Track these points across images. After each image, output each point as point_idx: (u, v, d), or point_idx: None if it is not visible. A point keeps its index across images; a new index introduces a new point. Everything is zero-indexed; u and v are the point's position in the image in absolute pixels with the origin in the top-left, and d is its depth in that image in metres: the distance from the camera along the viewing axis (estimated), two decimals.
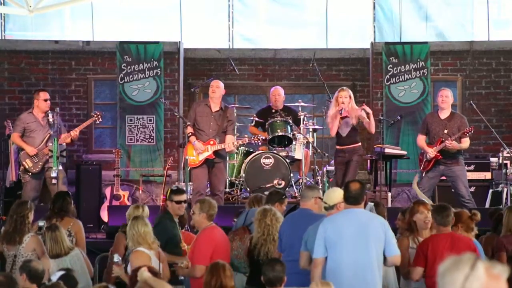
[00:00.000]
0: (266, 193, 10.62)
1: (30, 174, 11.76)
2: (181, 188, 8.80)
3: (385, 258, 6.72)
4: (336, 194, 7.15)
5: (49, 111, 11.86)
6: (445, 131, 11.42)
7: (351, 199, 6.79)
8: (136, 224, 7.38)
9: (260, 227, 7.75)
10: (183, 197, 8.42)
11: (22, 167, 11.80)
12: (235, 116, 12.35)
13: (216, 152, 11.52)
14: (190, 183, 11.88)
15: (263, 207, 7.96)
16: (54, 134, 11.77)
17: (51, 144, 11.61)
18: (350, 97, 11.58)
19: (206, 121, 11.62)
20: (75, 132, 11.96)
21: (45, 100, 11.87)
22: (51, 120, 11.74)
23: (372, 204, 8.40)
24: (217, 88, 11.71)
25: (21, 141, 11.86)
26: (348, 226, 6.66)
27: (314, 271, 6.70)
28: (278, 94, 13.03)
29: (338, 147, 11.65)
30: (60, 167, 11.92)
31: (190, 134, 11.52)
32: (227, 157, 12.37)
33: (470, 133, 11.30)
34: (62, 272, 6.50)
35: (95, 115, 12.32)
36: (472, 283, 3.10)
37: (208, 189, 11.73)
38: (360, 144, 11.71)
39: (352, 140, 11.54)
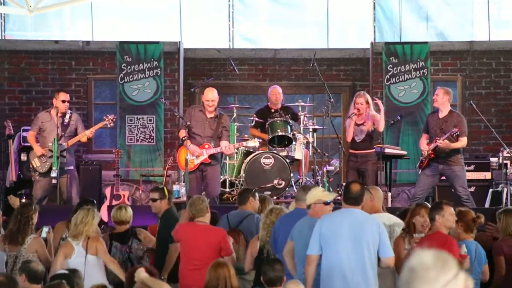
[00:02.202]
0: (267, 193, 10.64)
1: (38, 173, 11.75)
2: (156, 186, 8.97)
3: (379, 259, 6.73)
4: (311, 195, 7.26)
5: (68, 112, 11.88)
6: (441, 130, 11.41)
7: (350, 200, 6.83)
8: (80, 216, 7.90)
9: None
10: (152, 194, 8.70)
11: (31, 166, 11.81)
12: (229, 123, 12.16)
13: (211, 156, 11.47)
14: (182, 183, 11.87)
15: (270, 208, 8.09)
16: (67, 135, 11.76)
17: (51, 144, 11.61)
18: (367, 102, 11.66)
19: (201, 126, 11.49)
20: (91, 131, 11.95)
21: (63, 102, 11.83)
22: (66, 121, 11.75)
23: None
24: (213, 101, 11.50)
25: (33, 141, 11.86)
26: (344, 225, 6.70)
27: (308, 268, 6.73)
28: (278, 93, 13.02)
29: (351, 151, 11.88)
30: (72, 167, 11.91)
31: (185, 137, 11.41)
32: (221, 160, 12.37)
33: (455, 134, 11.25)
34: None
35: (106, 119, 12.16)
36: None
37: (203, 193, 11.67)
38: (373, 150, 11.77)
39: (365, 146, 11.72)
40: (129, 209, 8.88)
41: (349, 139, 11.86)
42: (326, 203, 7.15)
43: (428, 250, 3.10)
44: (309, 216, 7.18)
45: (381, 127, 11.73)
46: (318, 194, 7.21)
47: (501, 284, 7.85)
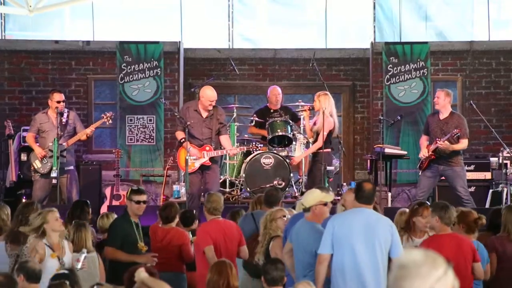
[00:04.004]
0: None
1: (39, 174, 11.74)
2: (142, 188, 8.76)
3: (389, 260, 6.72)
4: (310, 197, 7.24)
5: (65, 111, 11.85)
6: (442, 131, 11.41)
7: (363, 199, 6.82)
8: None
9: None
10: (143, 197, 8.41)
11: (32, 167, 11.79)
12: (224, 115, 12.04)
13: (210, 158, 11.42)
14: (182, 183, 11.85)
15: (275, 209, 8.16)
16: (67, 134, 11.74)
17: (51, 144, 11.60)
18: (319, 101, 11.71)
19: (198, 127, 11.39)
20: (91, 129, 11.93)
21: (58, 102, 11.82)
22: (64, 120, 11.73)
23: None
24: (214, 101, 11.43)
25: (33, 142, 11.85)
26: (356, 225, 6.68)
27: (319, 267, 6.71)
28: (278, 94, 13.04)
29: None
30: (72, 167, 11.88)
31: (183, 139, 11.34)
32: (221, 160, 12.36)
33: (456, 135, 11.25)
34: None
35: (105, 116, 12.12)
36: (439, 285, 3.11)
37: (202, 192, 11.64)
38: (322, 151, 11.77)
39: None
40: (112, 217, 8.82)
41: (309, 136, 12.10)
42: (325, 204, 7.15)
43: (416, 249, 3.19)
44: (307, 219, 7.16)
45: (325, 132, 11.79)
46: (319, 195, 7.17)
47: (493, 280, 7.83)
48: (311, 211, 7.14)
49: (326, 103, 11.69)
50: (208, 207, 8.18)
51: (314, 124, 11.91)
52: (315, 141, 11.83)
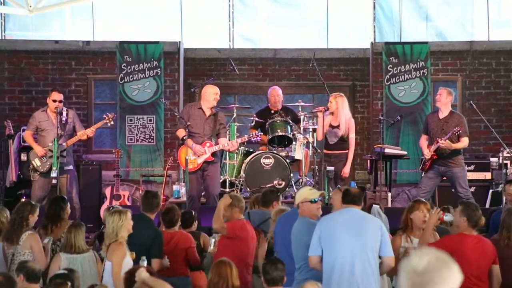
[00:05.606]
0: None
1: (38, 173, 11.72)
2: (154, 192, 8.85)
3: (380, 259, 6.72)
4: (297, 195, 7.35)
5: (63, 110, 11.82)
6: (443, 131, 11.41)
7: (350, 200, 6.85)
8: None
9: None
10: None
11: (31, 166, 11.76)
12: (225, 120, 12.12)
13: (212, 154, 11.44)
14: (182, 183, 11.85)
15: (280, 208, 8.24)
16: (66, 134, 11.71)
17: (51, 144, 11.59)
18: (337, 103, 11.76)
19: (200, 124, 11.45)
20: (92, 130, 11.90)
21: (54, 101, 11.76)
22: (64, 119, 11.71)
23: (378, 206, 8.38)
24: (218, 94, 11.57)
25: (32, 140, 11.80)
26: (343, 224, 6.69)
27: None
28: (277, 94, 13.04)
29: (325, 151, 11.97)
30: (71, 166, 11.86)
31: (185, 137, 11.36)
32: (221, 159, 12.37)
33: (457, 133, 11.26)
34: (63, 271, 6.52)
35: (106, 118, 12.06)
36: (456, 284, 3.20)
37: (203, 192, 11.63)
38: (346, 151, 12.00)
39: (339, 147, 11.96)
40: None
41: (319, 137, 12.05)
42: (313, 202, 7.18)
43: (425, 252, 3.24)
44: (300, 216, 7.24)
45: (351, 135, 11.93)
46: (305, 193, 7.26)
47: None
48: (299, 208, 7.25)
49: (344, 104, 11.88)
50: (242, 206, 8.15)
51: (331, 127, 11.93)
52: (340, 144, 11.95)
